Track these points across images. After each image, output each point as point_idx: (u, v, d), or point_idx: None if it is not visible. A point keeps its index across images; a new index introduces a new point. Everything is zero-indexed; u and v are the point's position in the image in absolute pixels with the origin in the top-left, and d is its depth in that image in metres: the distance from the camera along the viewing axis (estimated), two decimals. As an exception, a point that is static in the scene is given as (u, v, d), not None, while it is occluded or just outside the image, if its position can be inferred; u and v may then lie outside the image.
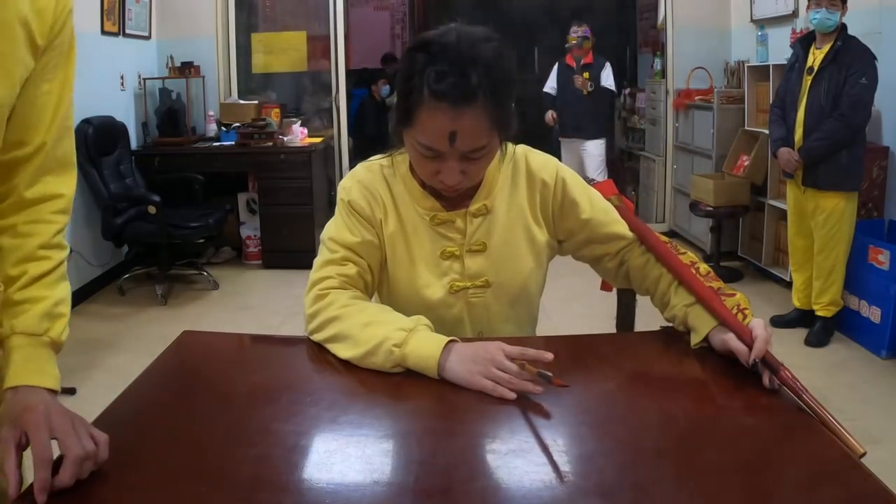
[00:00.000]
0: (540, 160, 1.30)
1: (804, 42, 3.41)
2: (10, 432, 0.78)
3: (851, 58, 3.17)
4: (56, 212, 0.92)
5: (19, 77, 0.84)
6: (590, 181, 1.35)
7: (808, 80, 3.34)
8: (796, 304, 3.63)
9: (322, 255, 1.24)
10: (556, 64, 5.28)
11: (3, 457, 0.76)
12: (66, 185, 0.94)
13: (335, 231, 1.24)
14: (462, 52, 1.05)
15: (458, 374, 1.02)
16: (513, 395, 0.98)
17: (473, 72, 1.04)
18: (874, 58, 3.16)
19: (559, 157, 5.70)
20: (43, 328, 0.86)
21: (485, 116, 1.06)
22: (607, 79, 5.11)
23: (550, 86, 5.28)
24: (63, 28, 0.89)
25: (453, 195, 1.19)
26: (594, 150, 5.27)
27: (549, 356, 1.00)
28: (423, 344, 1.05)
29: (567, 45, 5.19)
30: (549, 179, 1.28)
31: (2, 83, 0.82)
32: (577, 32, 5.11)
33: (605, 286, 1.43)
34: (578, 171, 5.26)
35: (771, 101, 3.97)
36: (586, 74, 5.05)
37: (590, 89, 5.05)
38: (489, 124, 1.07)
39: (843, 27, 3.23)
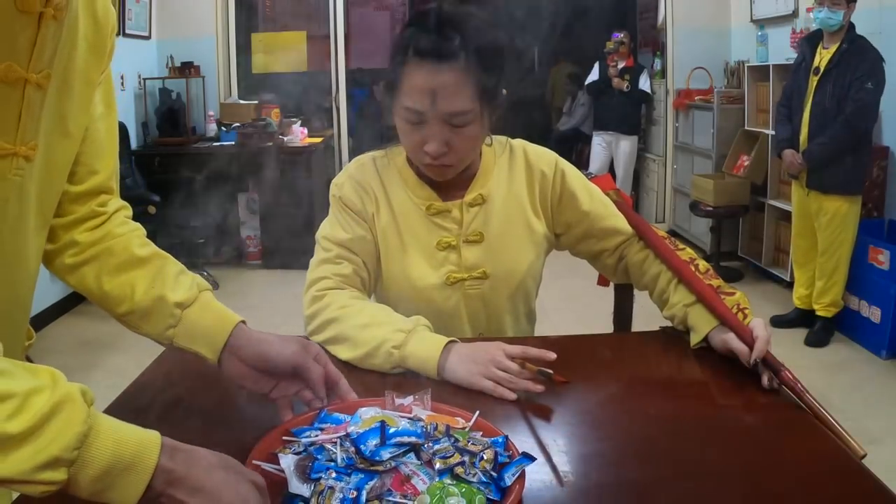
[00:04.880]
0: (538, 151, 1.30)
1: (811, 40, 3.38)
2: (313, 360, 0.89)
3: (858, 60, 3.13)
4: (128, 217, 0.98)
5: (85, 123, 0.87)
6: (588, 175, 1.34)
7: (814, 81, 3.31)
8: (797, 303, 3.62)
9: (317, 254, 1.24)
10: (598, 62, 5.57)
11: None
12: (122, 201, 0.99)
13: (329, 229, 1.24)
14: (444, 16, 1.09)
15: (458, 374, 1.02)
16: (513, 396, 0.98)
17: (455, 33, 1.07)
18: (882, 60, 3.12)
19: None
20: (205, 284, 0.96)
21: (467, 79, 1.08)
22: (644, 82, 5.38)
23: (592, 78, 5.57)
24: (111, 56, 0.90)
25: (440, 177, 1.19)
26: (626, 147, 5.53)
27: (552, 355, 1.00)
28: (422, 345, 1.05)
29: (606, 50, 5.46)
30: (547, 170, 1.28)
31: (78, 130, 0.83)
32: (616, 38, 5.38)
33: (602, 281, 1.43)
34: (607, 167, 5.47)
35: (777, 100, 3.98)
36: (627, 77, 5.32)
37: (626, 89, 5.31)
38: (472, 89, 1.08)
39: (851, 27, 3.20)
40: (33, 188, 0.77)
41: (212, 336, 0.90)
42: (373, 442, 0.75)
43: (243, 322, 0.92)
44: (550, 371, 0.97)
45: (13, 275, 0.80)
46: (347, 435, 0.77)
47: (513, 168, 1.28)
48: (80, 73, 0.80)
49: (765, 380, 1.01)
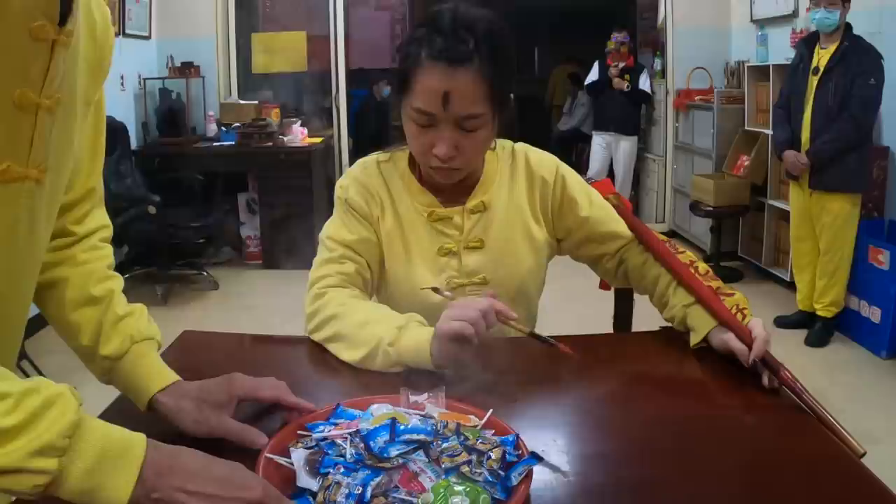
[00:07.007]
0: (539, 156, 1.30)
1: (808, 42, 3.39)
2: (223, 409, 0.87)
3: (859, 58, 3.15)
4: (104, 239, 0.97)
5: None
6: (588, 180, 1.35)
7: (814, 81, 3.31)
8: (801, 306, 3.62)
9: (321, 254, 1.24)
10: (597, 61, 5.56)
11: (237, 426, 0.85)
12: (106, 217, 0.99)
13: (333, 230, 1.24)
14: (458, 18, 1.08)
15: (438, 335, 1.01)
16: (471, 330, 0.97)
17: (470, 36, 1.06)
18: (881, 57, 3.15)
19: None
20: (153, 332, 0.94)
21: (480, 82, 1.07)
22: (645, 82, 5.38)
23: (592, 79, 5.58)
24: (107, 74, 0.90)
25: (446, 181, 1.18)
26: (626, 148, 5.56)
27: (513, 315, 1.01)
28: (413, 336, 1.05)
29: (606, 50, 5.46)
30: (548, 176, 1.28)
31: (69, 152, 0.83)
32: (616, 38, 5.39)
33: (604, 285, 1.43)
34: (607, 167, 5.46)
35: (773, 102, 3.97)
36: (627, 77, 5.34)
37: (626, 89, 5.33)
38: (484, 92, 1.08)
39: (848, 26, 3.21)
40: (42, 208, 0.79)
41: (139, 391, 0.90)
42: (382, 439, 0.76)
43: (177, 381, 0.91)
44: (552, 340, 0.97)
45: (22, 288, 0.83)
46: (358, 431, 0.78)
47: (514, 174, 1.27)
48: (80, 93, 0.81)
49: (765, 380, 1.01)
